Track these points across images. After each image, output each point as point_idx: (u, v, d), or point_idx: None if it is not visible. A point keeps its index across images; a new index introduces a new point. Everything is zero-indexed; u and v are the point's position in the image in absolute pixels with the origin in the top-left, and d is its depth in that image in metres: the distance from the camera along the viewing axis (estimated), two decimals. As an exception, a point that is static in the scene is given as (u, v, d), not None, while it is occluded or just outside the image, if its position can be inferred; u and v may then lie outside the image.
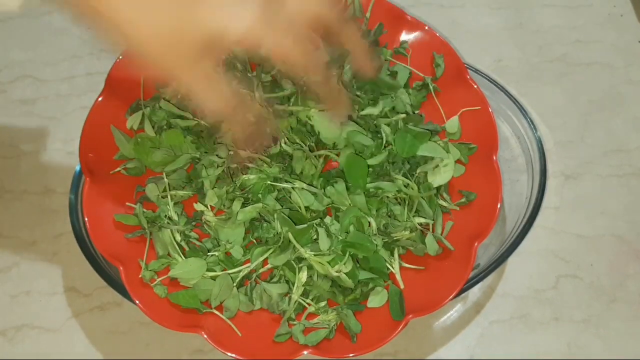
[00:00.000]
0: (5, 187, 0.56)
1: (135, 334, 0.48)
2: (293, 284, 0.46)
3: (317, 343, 0.44)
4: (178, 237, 0.47)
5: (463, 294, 0.47)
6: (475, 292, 0.50)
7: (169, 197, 0.48)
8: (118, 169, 0.49)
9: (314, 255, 0.46)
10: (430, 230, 0.48)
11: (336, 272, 0.45)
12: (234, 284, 0.46)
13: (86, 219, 0.46)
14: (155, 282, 0.46)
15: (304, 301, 0.46)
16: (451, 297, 0.44)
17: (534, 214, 0.49)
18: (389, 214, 0.48)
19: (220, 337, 0.44)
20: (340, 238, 0.47)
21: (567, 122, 0.59)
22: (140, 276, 0.46)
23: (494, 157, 0.48)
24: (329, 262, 0.45)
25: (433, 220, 0.48)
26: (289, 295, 0.46)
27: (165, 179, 0.49)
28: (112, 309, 0.49)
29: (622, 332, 0.48)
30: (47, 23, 0.66)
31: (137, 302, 0.44)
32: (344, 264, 0.45)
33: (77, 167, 0.52)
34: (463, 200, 0.49)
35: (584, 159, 0.57)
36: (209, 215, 0.48)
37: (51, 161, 0.57)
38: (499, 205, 0.46)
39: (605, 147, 0.57)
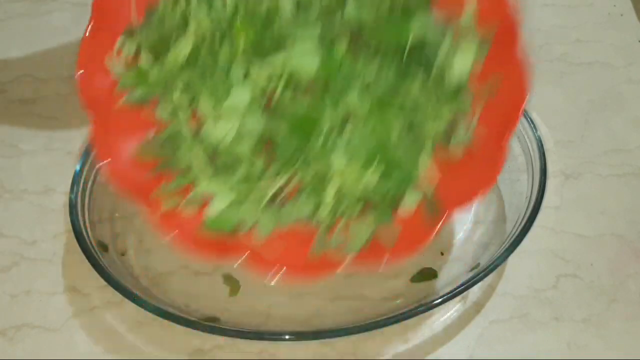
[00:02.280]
0: (5, 186, 0.56)
1: (135, 334, 0.48)
2: (322, 200, 0.45)
3: (354, 253, 0.43)
4: (201, 153, 0.45)
5: (463, 294, 0.47)
6: (475, 291, 0.50)
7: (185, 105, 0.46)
8: (122, 101, 0.47)
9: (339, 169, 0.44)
10: (456, 125, 0.46)
11: (364, 184, 0.44)
12: (262, 205, 0.45)
13: (104, 162, 0.45)
14: (187, 198, 0.44)
15: (335, 214, 0.45)
16: (485, 191, 0.43)
17: (534, 213, 0.49)
18: (412, 115, 0.46)
19: (256, 259, 0.43)
20: (364, 147, 0.45)
21: (567, 121, 0.59)
22: (162, 207, 0.44)
23: (517, 46, 0.45)
24: (355, 175, 0.44)
25: (458, 113, 0.46)
26: (319, 210, 0.45)
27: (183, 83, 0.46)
28: (112, 308, 0.49)
29: (622, 332, 0.48)
30: (47, 23, 0.66)
31: (173, 234, 0.43)
32: (372, 173, 0.44)
33: (77, 167, 0.52)
34: (487, 89, 0.46)
35: (584, 159, 0.57)
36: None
37: (51, 161, 0.57)
38: (527, 93, 0.43)
39: (605, 147, 0.57)
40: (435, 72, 0.46)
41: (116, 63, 0.48)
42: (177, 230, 0.43)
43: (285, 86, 0.45)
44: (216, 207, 0.45)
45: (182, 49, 0.46)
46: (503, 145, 0.43)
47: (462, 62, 0.46)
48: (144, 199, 0.44)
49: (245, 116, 0.45)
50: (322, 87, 0.45)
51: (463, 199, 0.43)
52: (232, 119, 0.45)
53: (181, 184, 0.46)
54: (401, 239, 0.44)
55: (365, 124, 0.45)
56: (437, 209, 0.43)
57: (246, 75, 0.45)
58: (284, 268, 0.43)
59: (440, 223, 0.42)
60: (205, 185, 0.45)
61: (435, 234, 0.42)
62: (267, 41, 0.46)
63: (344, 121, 0.45)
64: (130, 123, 0.47)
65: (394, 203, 0.45)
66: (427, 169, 0.45)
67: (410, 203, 0.44)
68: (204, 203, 0.45)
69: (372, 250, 0.44)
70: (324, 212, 0.44)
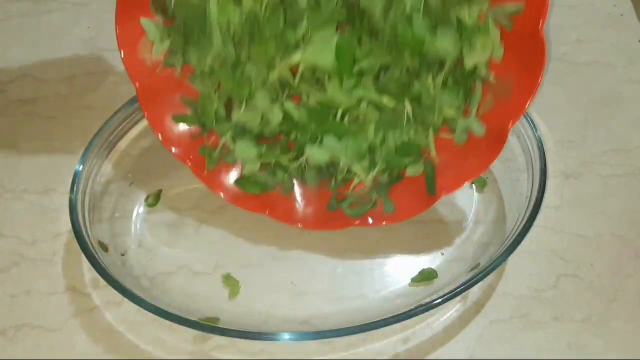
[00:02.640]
0: (5, 186, 0.56)
1: (135, 334, 0.48)
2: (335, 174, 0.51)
3: (363, 215, 0.51)
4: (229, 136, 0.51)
5: (463, 294, 0.47)
6: (475, 291, 0.50)
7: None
8: (161, 66, 0.51)
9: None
10: (463, 114, 0.49)
11: (371, 179, 0.50)
12: (285, 174, 0.51)
13: (159, 135, 0.51)
14: (224, 159, 0.52)
15: (348, 177, 0.51)
16: (478, 175, 0.48)
17: (534, 213, 0.49)
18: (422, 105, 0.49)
19: (283, 212, 0.52)
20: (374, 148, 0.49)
21: (567, 121, 0.59)
22: (206, 169, 0.52)
23: (540, 25, 0.44)
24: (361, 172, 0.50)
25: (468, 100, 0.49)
26: (334, 178, 0.51)
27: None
28: (112, 308, 0.49)
29: (622, 332, 0.48)
30: (47, 23, 0.66)
31: (221, 194, 0.52)
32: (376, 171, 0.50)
33: (77, 167, 0.52)
34: (501, 89, 0.48)
35: (584, 159, 0.57)
36: None
37: (51, 161, 0.57)
38: (539, 80, 0.45)
39: (605, 147, 0.57)
40: (449, 65, 0.47)
41: (151, 26, 0.50)
42: (219, 188, 0.52)
43: (303, 76, 0.49)
44: (246, 172, 0.52)
45: (208, 49, 0.49)
46: (504, 133, 0.46)
47: (477, 56, 0.47)
48: (185, 158, 0.51)
49: (267, 110, 0.50)
50: (338, 78, 0.48)
51: (459, 179, 0.49)
52: (255, 112, 0.50)
53: (219, 153, 0.52)
54: (400, 205, 0.51)
55: (375, 112, 0.49)
56: (433, 186, 0.49)
57: (268, 70, 0.49)
58: (304, 219, 0.52)
59: (435, 200, 0.49)
60: (236, 155, 0.51)
61: (429, 207, 0.50)
62: (287, 37, 0.48)
63: (357, 103, 0.49)
64: (172, 87, 0.51)
65: (398, 177, 0.51)
66: (430, 149, 0.50)
67: (413, 171, 0.50)
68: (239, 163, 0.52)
69: (375, 212, 0.51)
70: (339, 179, 0.51)
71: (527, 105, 0.46)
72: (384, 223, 0.51)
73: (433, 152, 0.50)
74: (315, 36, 0.47)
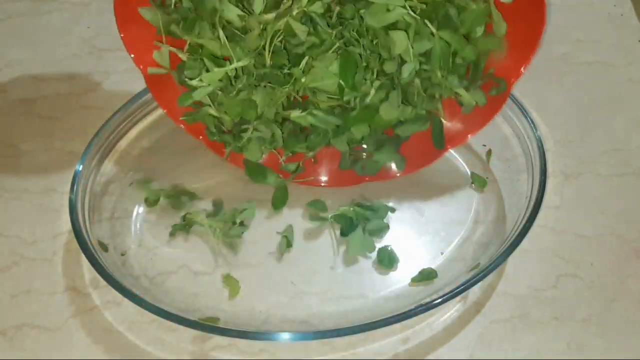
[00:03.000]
0: (5, 186, 0.56)
1: (135, 334, 0.48)
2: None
3: (375, 172, 0.54)
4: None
5: (463, 294, 0.47)
6: (475, 291, 0.50)
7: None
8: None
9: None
10: (470, 83, 0.50)
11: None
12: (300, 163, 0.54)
13: (182, 126, 0.53)
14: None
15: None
16: (483, 126, 0.50)
17: (534, 213, 0.49)
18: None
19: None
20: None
21: (567, 121, 0.59)
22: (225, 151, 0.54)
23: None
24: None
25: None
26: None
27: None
28: (112, 308, 0.49)
29: (622, 332, 0.48)
30: (47, 22, 0.66)
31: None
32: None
33: (78, 167, 0.52)
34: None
35: (584, 159, 0.57)
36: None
37: (51, 161, 0.57)
38: (540, 37, 0.46)
39: (605, 147, 0.57)
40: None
41: (149, 13, 0.49)
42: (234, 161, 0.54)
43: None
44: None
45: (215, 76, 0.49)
46: (507, 89, 0.49)
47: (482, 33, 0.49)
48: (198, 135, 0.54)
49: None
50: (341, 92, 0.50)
51: (464, 132, 0.51)
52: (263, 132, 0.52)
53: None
54: (409, 159, 0.54)
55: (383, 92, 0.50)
56: (441, 141, 0.52)
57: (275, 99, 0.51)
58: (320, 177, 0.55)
59: (442, 153, 0.52)
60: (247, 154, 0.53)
61: (436, 160, 0.53)
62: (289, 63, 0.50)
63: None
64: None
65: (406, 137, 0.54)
66: (439, 110, 0.52)
67: (421, 128, 0.52)
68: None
69: (385, 171, 0.54)
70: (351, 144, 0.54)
71: (528, 63, 0.47)
72: (392, 178, 0.54)
73: (442, 114, 0.52)
74: (316, 63, 0.49)
